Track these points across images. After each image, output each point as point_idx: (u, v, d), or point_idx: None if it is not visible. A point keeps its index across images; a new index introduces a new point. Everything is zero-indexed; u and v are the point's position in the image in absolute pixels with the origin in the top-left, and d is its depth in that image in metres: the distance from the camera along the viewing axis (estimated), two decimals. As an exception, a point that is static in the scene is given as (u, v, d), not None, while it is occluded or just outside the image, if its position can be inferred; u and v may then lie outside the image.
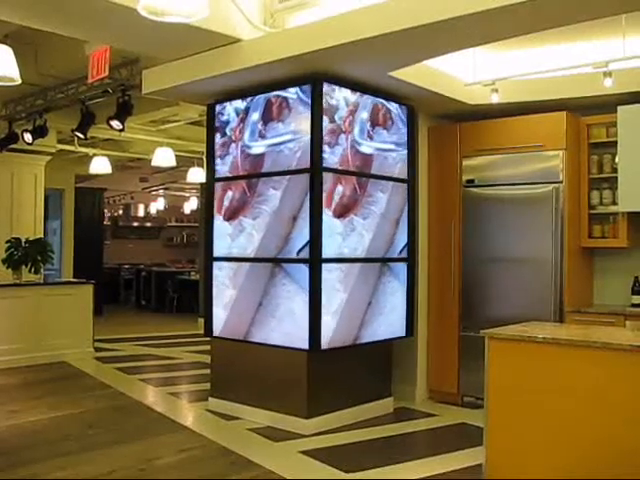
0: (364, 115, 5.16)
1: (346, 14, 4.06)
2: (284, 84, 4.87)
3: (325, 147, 4.84)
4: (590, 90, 5.10)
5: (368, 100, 5.18)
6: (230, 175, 5.33)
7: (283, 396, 4.97)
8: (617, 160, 5.13)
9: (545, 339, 3.54)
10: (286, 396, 4.95)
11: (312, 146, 4.73)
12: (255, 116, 5.13)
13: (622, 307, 5.13)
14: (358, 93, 5.09)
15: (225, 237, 5.39)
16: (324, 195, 4.85)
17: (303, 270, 4.80)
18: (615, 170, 5.18)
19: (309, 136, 4.78)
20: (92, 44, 5.61)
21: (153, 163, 9.07)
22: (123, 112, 6.34)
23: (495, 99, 5.26)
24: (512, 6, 3.37)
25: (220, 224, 5.44)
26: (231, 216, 5.37)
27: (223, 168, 5.39)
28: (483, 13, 3.48)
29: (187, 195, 16.95)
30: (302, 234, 4.84)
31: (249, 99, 5.16)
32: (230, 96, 5.25)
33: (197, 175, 9.81)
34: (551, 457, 3.50)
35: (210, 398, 5.53)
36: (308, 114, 4.79)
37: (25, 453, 4.30)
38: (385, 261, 5.29)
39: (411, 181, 5.57)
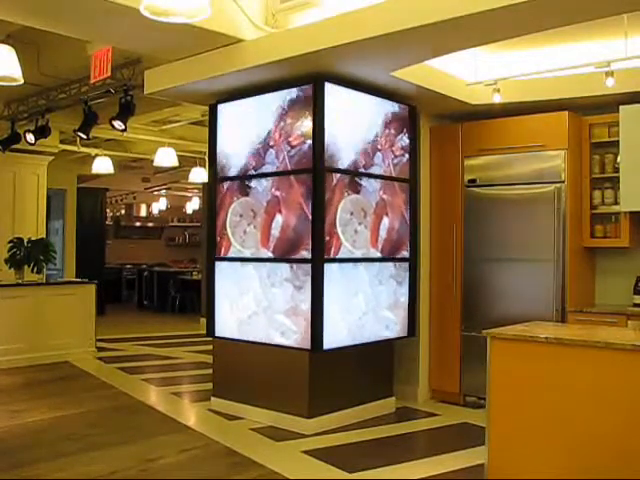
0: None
1: (348, 13, 4.07)
2: (286, 84, 4.87)
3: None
4: (592, 90, 5.09)
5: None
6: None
7: (285, 396, 4.97)
8: (619, 160, 5.13)
9: (547, 339, 3.54)
10: (288, 396, 4.95)
11: (314, 146, 4.72)
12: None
13: (624, 307, 5.12)
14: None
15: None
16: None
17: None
18: (617, 170, 5.17)
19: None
20: (94, 44, 5.61)
21: (155, 163, 9.07)
22: (125, 112, 6.35)
23: (497, 99, 5.25)
24: (515, 6, 3.37)
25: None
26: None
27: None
28: (486, 12, 3.48)
29: (189, 195, 16.95)
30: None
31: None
32: (232, 96, 5.26)
33: (199, 175, 9.81)
34: (553, 457, 3.49)
35: (212, 398, 5.54)
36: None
37: (27, 453, 4.31)
38: (385, 261, 5.30)
39: (413, 181, 5.58)
